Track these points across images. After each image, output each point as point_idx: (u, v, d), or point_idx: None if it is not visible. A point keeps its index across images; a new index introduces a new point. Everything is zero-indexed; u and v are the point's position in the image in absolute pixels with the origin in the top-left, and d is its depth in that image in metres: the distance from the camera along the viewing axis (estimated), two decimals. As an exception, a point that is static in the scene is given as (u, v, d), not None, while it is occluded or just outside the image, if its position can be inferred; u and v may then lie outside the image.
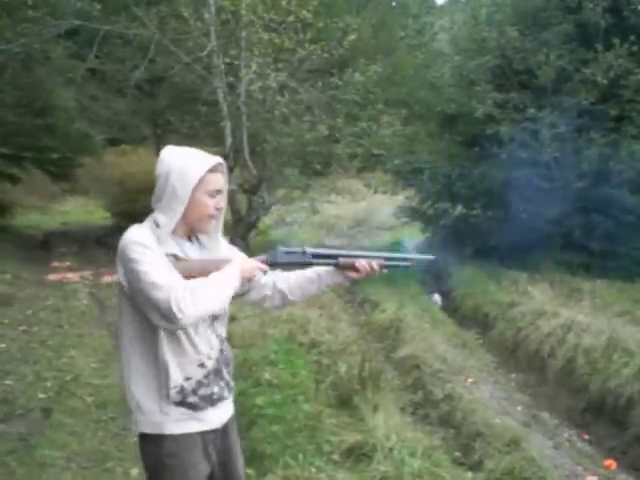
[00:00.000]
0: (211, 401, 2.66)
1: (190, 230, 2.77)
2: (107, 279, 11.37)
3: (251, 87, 12.44)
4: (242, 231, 13.66)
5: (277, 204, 14.39)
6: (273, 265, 2.84)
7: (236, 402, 5.97)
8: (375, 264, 2.87)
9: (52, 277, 11.64)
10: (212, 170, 2.65)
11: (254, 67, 12.33)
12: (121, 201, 17.26)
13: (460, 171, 13.19)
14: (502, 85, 12.43)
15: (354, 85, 13.52)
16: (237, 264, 2.68)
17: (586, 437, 6.31)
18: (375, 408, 5.40)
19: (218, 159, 2.68)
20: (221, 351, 2.75)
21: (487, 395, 6.91)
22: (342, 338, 7.77)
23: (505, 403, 6.87)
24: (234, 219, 13.91)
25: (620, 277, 11.23)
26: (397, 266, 3.00)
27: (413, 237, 16.98)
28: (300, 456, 4.50)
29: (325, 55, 12.92)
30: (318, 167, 14.71)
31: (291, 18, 12.31)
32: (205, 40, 12.52)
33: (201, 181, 2.62)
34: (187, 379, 2.59)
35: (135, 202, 16.54)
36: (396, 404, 6.01)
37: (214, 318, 2.71)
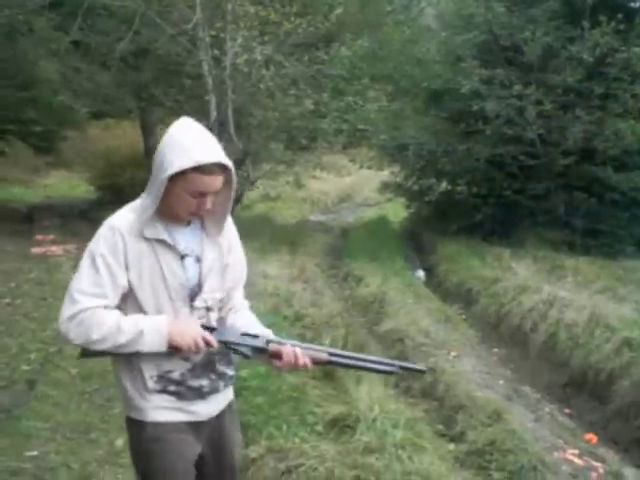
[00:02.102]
0: (200, 394, 2.53)
1: None
2: (91, 252, 11.32)
3: (236, 60, 12.35)
4: (227, 206, 13.61)
5: (262, 178, 14.35)
6: (222, 342, 2.48)
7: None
8: (303, 358, 2.44)
9: (35, 250, 11.57)
10: (200, 171, 2.33)
11: (240, 40, 12.23)
12: (105, 175, 17.20)
13: (445, 147, 13.20)
14: (488, 61, 12.41)
15: (340, 60, 13.46)
16: (171, 327, 2.38)
17: (567, 411, 6.38)
18: (358, 380, 5.43)
19: (215, 159, 2.35)
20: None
21: (469, 369, 6.96)
22: (326, 311, 7.80)
23: (487, 377, 6.92)
24: (219, 193, 13.86)
25: (603, 254, 11.33)
26: (377, 370, 2.54)
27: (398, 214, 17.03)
28: (284, 427, 4.53)
29: (311, 29, 12.83)
30: (303, 142, 14.66)
31: (277, -9, 12.23)
32: (190, 12, 12.38)
33: (183, 177, 2.34)
34: (167, 372, 2.46)
35: (119, 176, 16.55)
36: (379, 377, 6.04)
37: (208, 309, 2.54)
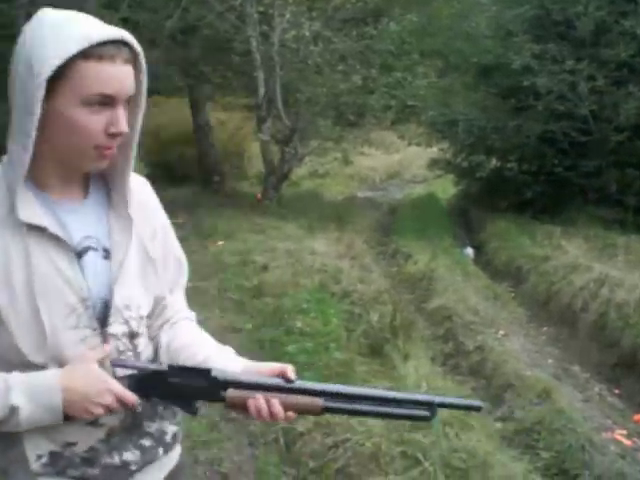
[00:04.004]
0: (125, 475, 1.61)
1: (77, 172, 1.56)
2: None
3: (285, 36, 12.36)
4: (274, 182, 13.68)
5: (310, 155, 14.35)
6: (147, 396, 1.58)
7: (268, 350, 6.04)
8: (275, 405, 1.55)
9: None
10: (96, 56, 1.41)
11: (288, 16, 12.22)
12: (154, 151, 17.29)
13: (495, 123, 13.03)
14: (540, 36, 12.19)
15: (389, 35, 13.38)
16: (66, 386, 1.45)
17: (616, 392, 6.29)
18: (406, 357, 5.43)
19: (116, 35, 1.44)
20: None
21: (518, 347, 6.90)
22: (374, 288, 7.78)
23: (536, 356, 6.86)
24: (266, 170, 13.93)
25: (655, 233, 11.11)
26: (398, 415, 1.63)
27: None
28: (331, 403, 4.54)
29: (360, 4, 12.80)
30: (352, 118, 14.64)
31: (326, -34, 12.19)
32: (239, -12, 12.41)
33: (69, 80, 1.41)
34: (66, 445, 1.53)
35: (168, 152, 16.68)
36: (427, 354, 6.04)
37: (132, 335, 1.62)
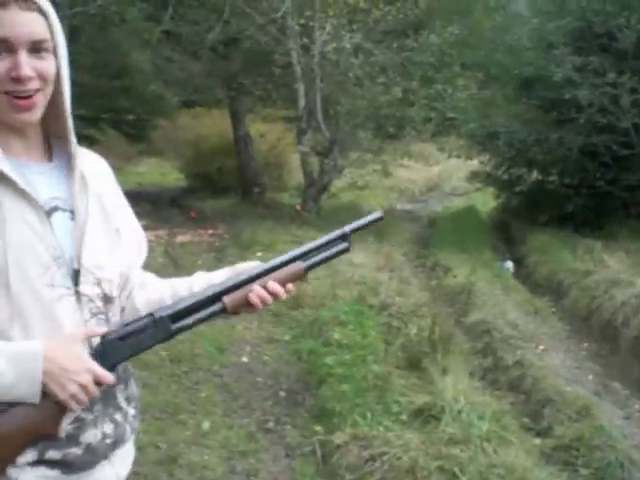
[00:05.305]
0: (103, 451, 1.61)
1: (15, 129, 1.56)
2: (181, 239, 11.56)
3: (325, 49, 12.42)
4: (314, 194, 13.72)
5: (349, 167, 14.36)
6: (111, 364, 1.55)
7: (306, 361, 6.08)
8: (273, 285, 1.70)
9: (128, 236, 11.87)
10: None
11: (328, 28, 12.29)
12: (195, 163, 17.49)
13: (537, 136, 12.94)
14: (581, 48, 12.10)
15: (429, 47, 13.38)
16: (49, 357, 1.44)
17: (659, 408, 6.21)
18: (444, 371, 5.40)
19: None
20: None
21: (558, 363, 6.83)
22: (412, 301, 7.76)
23: (576, 371, 6.79)
24: (306, 182, 13.97)
25: (699, 248, 10.93)
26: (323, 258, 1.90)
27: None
28: (368, 415, 4.54)
29: (400, 16, 12.82)
30: (391, 130, 14.64)
31: (366, -22, 12.24)
32: (279, 1, 12.50)
33: None
34: None
35: (208, 164, 16.83)
36: (465, 368, 5.99)
37: (107, 298, 1.63)
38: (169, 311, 1.62)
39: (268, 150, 17.15)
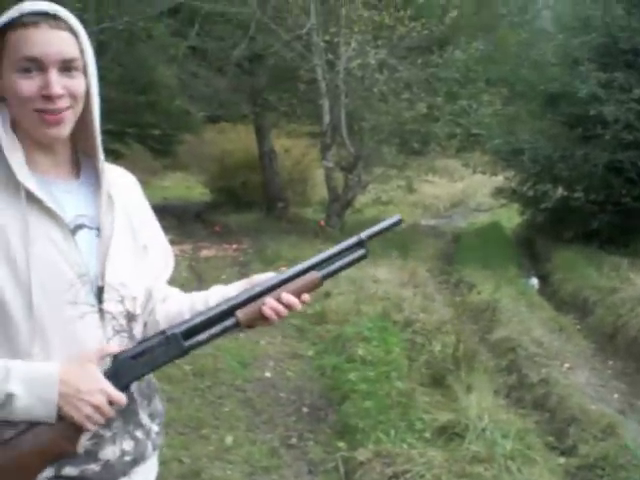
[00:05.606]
0: (122, 468, 1.61)
1: (44, 145, 1.59)
2: (206, 253, 11.62)
3: (350, 65, 12.47)
4: (338, 209, 13.73)
5: (373, 182, 14.36)
6: (124, 384, 1.55)
7: (329, 377, 6.07)
8: (287, 296, 1.67)
9: (152, 250, 11.94)
10: (21, 24, 1.50)
11: (353, 44, 12.34)
12: (220, 178, 17.58)
13: (562, 152, 12.88)
14: (607, 64, 12.05)
15: (454, 63, 13.39)
16: (64, 380, 1.45)
17: (686, 428, 6.13)
18: (468, 388, 5.37)
19: (46, 5, 1.53)
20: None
21: (583, 381, 6.77)
22: (437, 318, 7.73)
23: (601, 390, 6.71)
24: (330, 197, 13.99)
25: None
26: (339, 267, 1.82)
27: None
28: (392, 432, 4.52)
29: (425, 32, 12.84)
30: (416, 146, 14.64)
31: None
32: (305, 18, 12.58)
33: (4, 47, 1.52)
34: None
35: (233, 179, 16.93)
36: (490, 386, 5.95)
37: (130, 317, 1.64)
38: (181, 328, 1.61)
39: (292, 165, 17.22)
